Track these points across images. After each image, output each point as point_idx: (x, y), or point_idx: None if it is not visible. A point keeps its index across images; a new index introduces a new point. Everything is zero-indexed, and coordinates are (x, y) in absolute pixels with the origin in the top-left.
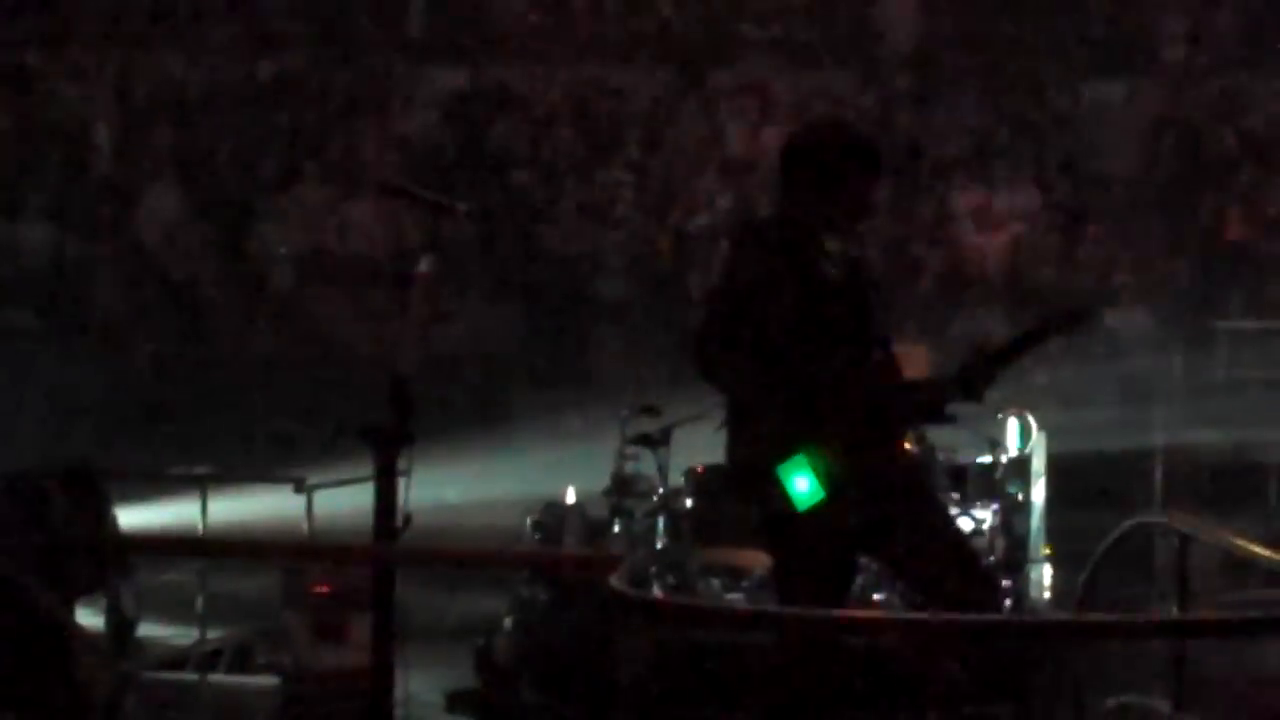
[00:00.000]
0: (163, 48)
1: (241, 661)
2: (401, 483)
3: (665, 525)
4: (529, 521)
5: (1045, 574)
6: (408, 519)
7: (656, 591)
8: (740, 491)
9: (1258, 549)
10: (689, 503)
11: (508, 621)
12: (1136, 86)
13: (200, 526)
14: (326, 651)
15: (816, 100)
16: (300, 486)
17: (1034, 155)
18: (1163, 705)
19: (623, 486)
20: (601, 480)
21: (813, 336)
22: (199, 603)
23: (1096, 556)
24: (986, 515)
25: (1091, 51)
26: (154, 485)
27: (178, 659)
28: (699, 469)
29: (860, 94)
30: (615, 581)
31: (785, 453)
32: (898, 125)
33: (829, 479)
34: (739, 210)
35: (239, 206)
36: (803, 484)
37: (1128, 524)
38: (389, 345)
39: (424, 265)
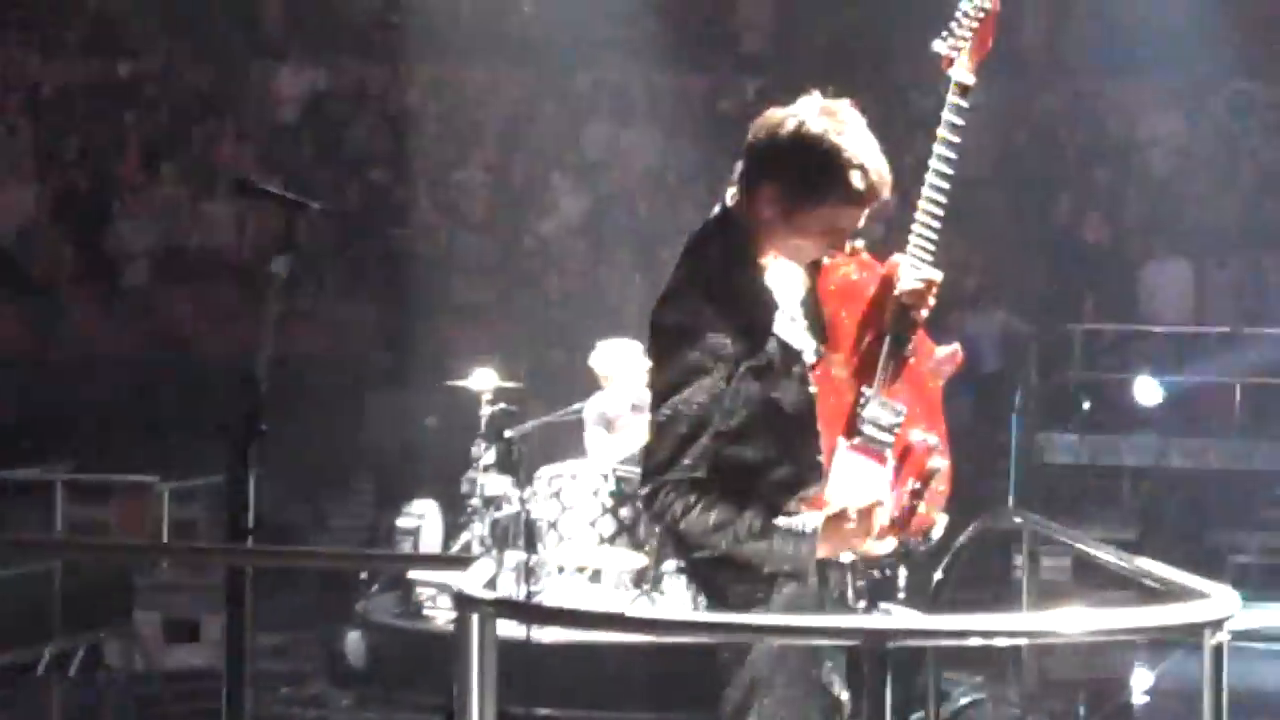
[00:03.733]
0: (18, 46)
1: (94, 662)
2: (253, 482)
3: (521, 526)
4: (386, 523)
5: (900, 574)
6: (259, 519)
7: (509, 592)
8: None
9: (1103, 551)
10: (545, 504)
11: (360, 622)
12: (992, 87)
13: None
14: (177, 651)
15: (673, 102)
16: (155, 486)
17: (890, 157)
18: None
19: (479, 488)
20: (458, 482)
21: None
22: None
23: (947, 558)
24: None
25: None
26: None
27: (30, 661)
28: (556, 471)
29: (717, 95)
30: (466, 582)
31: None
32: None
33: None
34: (597, 212)
35: (95, 204)
36: None
37: (978, 525)
38: (243, 344)
39: (279, 264)
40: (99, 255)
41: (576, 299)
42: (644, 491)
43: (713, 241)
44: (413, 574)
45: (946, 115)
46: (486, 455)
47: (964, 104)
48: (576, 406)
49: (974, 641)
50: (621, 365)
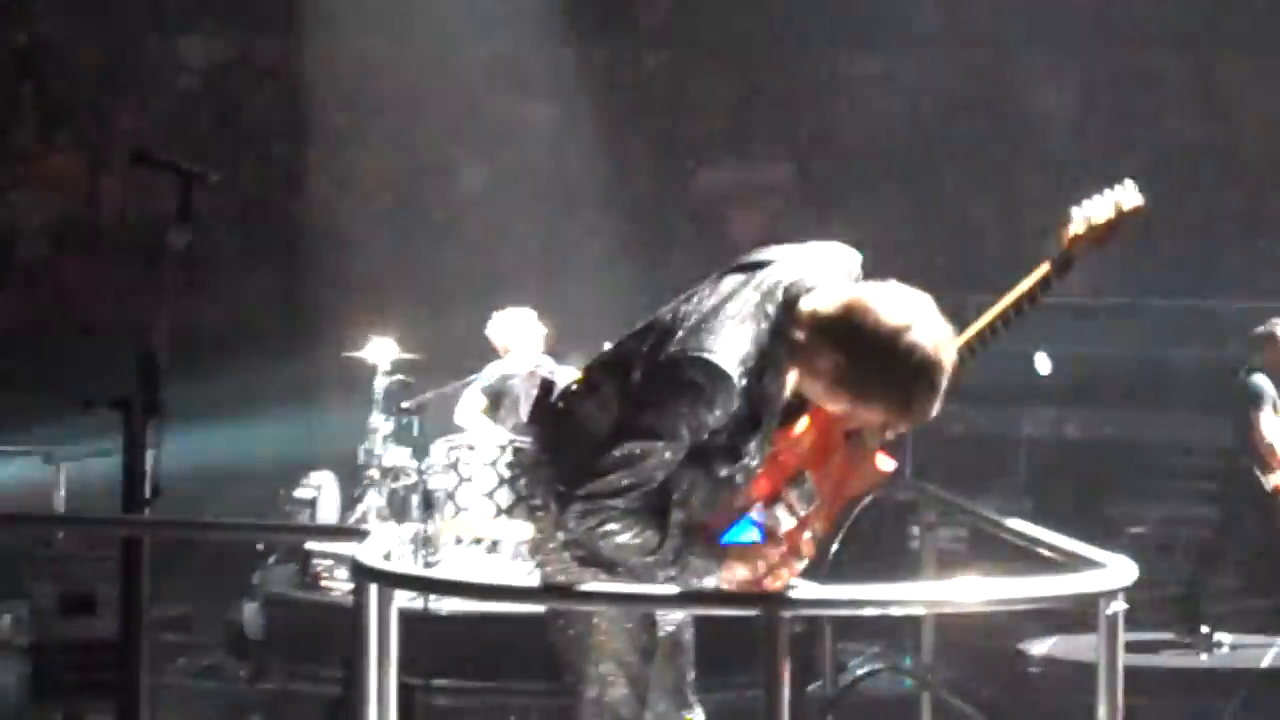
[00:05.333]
0: None
1: None
2: (151, 454)
3: (419, 497)
4: (283, 494)
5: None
6: (157, 490)
7: (407, 563)
8: None
9: (1000, 522)
10: (442, 475)
11: (258, 594)
12: (891, 62)
13: None
14: (74, 623)
15: (572, 74)
16: (50, 457)
17: (788, 130)
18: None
19: (375, 459)
20: (356, 453)
21: None
22: None
23: (841, 530)
24: None
25: (847, 26)
26: None
27: None
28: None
29: (616, 68)
30: (363, 553)
31: None
32: (654, 99)
33: None
34: (496, 184)
35: None
36: None
37: (872, 495)
38: (140, 316)
39: (176, 235)
40: None
41: (475, 271)
42: (576, 505)
43: (769, 319)
44: (310, 545)
45: (1032, 286)
46: (384, 426)
47: (1054, 282)
48: (473, 377)
49: (870, 612)
50: (518, 334)
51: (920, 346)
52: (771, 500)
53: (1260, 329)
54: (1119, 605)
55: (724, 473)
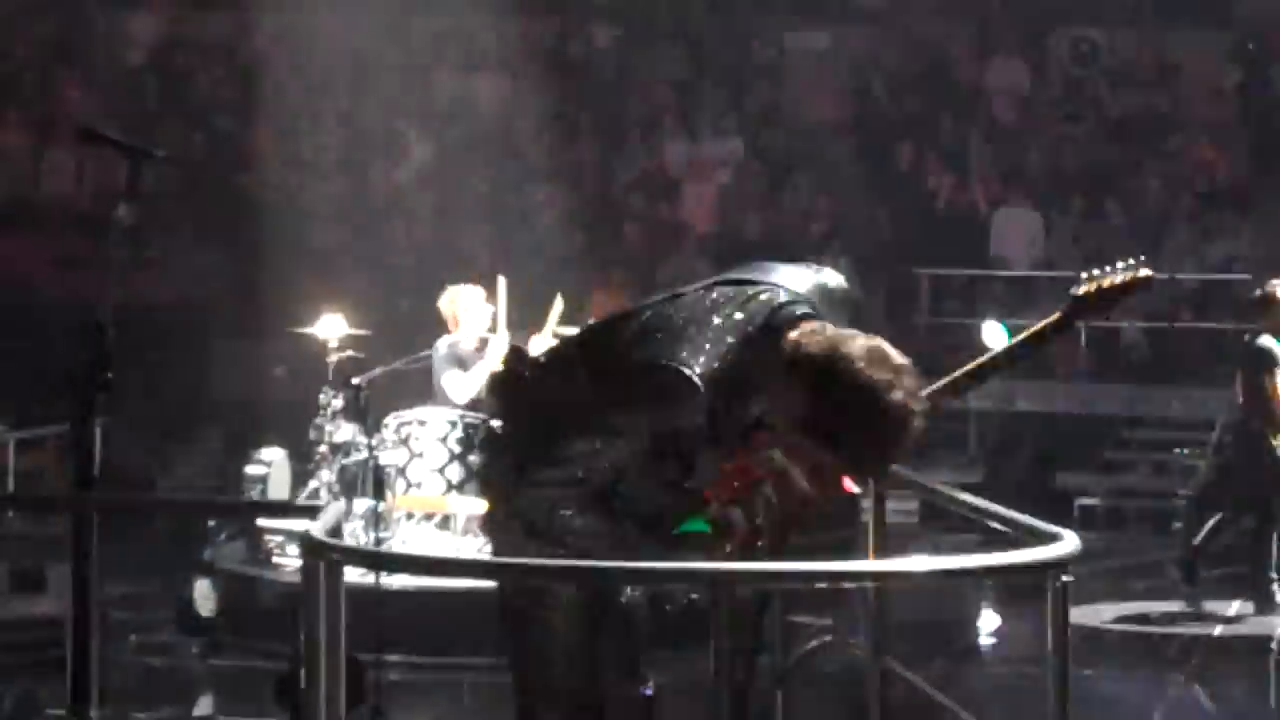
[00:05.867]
0: None
1: None
2: (99, 431)
3: (369, 473)
4: (235, 470)
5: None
6: (105, 466)
7: (358, 539)
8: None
9: (950, 495)
10: (393, 450)
11: (208, 570)
12: (840, 36)
13: None
14: (23, 601)
15: (521, 48)
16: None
17: (737, 105)
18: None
19: (326, 435)
20: (306, 429)
21: None
22: None
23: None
24: None
25: (795, 1)
26: None
27: None
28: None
29: (565, 42)
30: (313, 529)
31: None
32: (603, 73)
33: None
34: (446, 159)
35: None
36: None
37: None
38: (87, 292)
39: (122, 212)
40: None
41: (424, 246)
42: (531, 490)
43: (751, 342)
44: (261, 522)
45: (1031, 337)
46: (334, 402)
47: (1051, 339)
48: (424, 353)
49: (820, 585)
50: (470, 307)
51: (891, 410)
52: (730, 501)
53: (1257, 292)
54: (1066, 577)
55: (673, 476)
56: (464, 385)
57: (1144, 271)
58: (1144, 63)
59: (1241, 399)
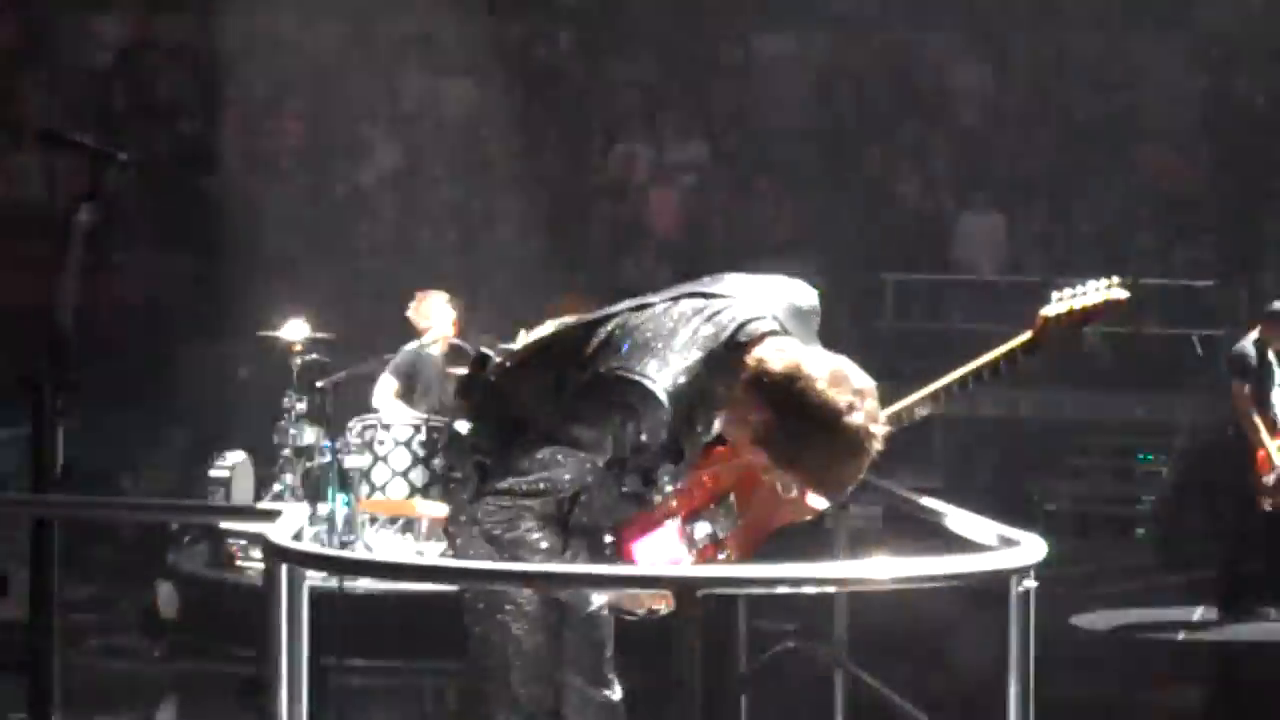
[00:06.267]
0: None
1: None
2: (61, 433)
3: (333, 477)
4: (198, 473)
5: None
6: (67, 470)
7: (322, 543)
8: None
9: (913, 500)
10: (357, 454)
11: (171, 573)
12: (805, 40)
13: None
14: None
15: (487, 51)
16: None
17: (703, 109)
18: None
19: (290, 439)
20: (270, 432)
21: None
22: None
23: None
24: None
25: (760, 5)
26: None
27: None
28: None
29: (531, 45)
30: (273, 533)
31: None
32: (569, 77)
33: None
34: (410, 162)
35: None
36: None
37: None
38: (50, 295)
39: (85, 214)
40: None
41: (389, 249)
42: (491, 499)
43: (714, 357)
44: (224, 525)
45: (999, 358)
46: (298, 405)
47: (1021, 360)
48: (388, 356)
49: (784, 590)
50: (435, 316)
51: (851, 432)
52: (691, 516)
53: (1276, 305)
54: (1029, 583)
55: (630, 489)
56: (387, 393)
57: (1117, 293)
58: (1109, 67)
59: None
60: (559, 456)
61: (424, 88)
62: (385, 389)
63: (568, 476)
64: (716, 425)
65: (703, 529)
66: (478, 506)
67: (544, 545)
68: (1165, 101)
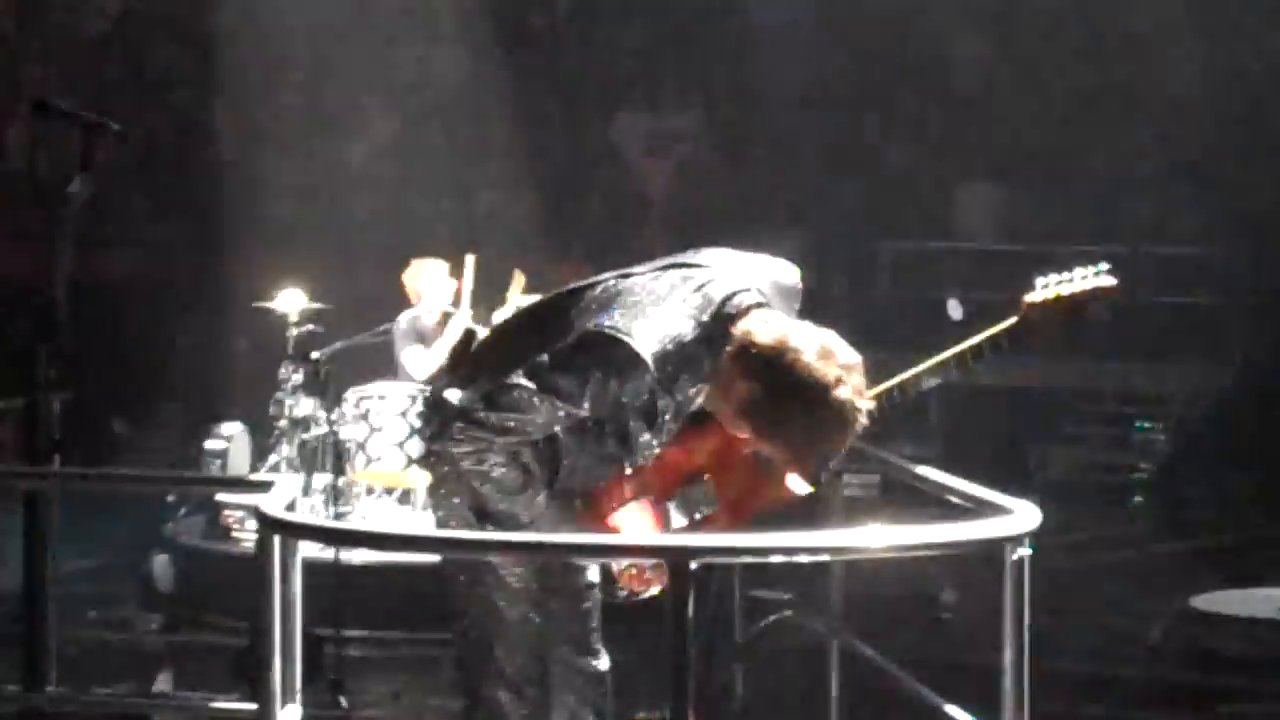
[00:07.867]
0: None
1: None
2: (57, 405)
3: (329, 448)
4: (194, 444)
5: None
6: (65, 442)
7: (318, 513)
8: None
9: (909, 468)
10: (353, 425)
11: (167, 545)
12: (802, 8)
13: None
14: None
15: (482, 20)
16: None
17: (700, 77)
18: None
19: (286, 410)
20: (266, 404)
21: None
22: None
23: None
24: None
25: None
26: None
27: None
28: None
29: (527, 14)
30: (268, 504)
31: None
32: (565, 46)
33: None
34: (407, 132)
35: None
36: None
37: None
38: (44, 267)
39: (77, 185)
40: None
41: (385, 219)
42: (459, 424)
43: (701, 327)
44: (221, 496)
45: (983, 344)
46: (294, 376)
47: (1004, 347)
48: (384, 327)
49: (778, 559)
50: (432, 282)
51: (837, 406)
52: (667, 495)
53: None
54: (1024, 551)
55: (611, 452)
56: (424, 361)
57: (1106, 280)
58: (1108, 34)
59: None
60: (535, 400)
61: (420, 57)
62: (416, 357)
63: (540, 421)
64: (700, 399)
65: (678, 509)
66: (444, 434)
67: (506, 481)
68: (1164, 69)
